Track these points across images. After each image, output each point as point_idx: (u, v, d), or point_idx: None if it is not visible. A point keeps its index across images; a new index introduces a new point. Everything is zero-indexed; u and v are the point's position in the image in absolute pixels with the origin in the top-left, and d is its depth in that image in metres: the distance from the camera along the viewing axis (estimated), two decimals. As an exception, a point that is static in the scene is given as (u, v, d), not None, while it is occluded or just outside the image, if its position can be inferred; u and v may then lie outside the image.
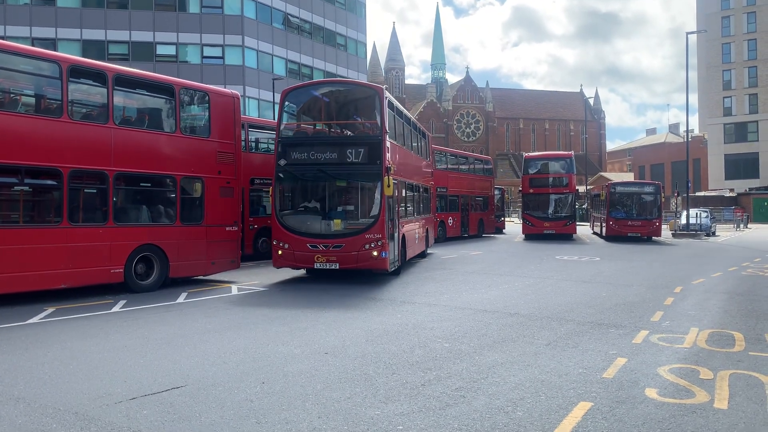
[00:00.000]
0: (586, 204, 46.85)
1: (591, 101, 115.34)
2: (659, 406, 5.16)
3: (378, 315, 9.47)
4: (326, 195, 13.85)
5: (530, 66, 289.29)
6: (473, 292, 12.02)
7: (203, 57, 45.05)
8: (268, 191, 13.89)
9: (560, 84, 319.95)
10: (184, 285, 12.83)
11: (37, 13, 41.67)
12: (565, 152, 40.35)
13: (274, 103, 38.73)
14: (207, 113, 13.47)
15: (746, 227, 45.64)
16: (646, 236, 29.28)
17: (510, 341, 7.63)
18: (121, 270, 11.47)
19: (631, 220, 29.02)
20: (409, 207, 16.49)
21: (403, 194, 15.52)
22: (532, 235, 29.97)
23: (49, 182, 10.81)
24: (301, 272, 14.76)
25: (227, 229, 13.55)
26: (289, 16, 50.08)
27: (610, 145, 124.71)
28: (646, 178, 69.11)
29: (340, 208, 13.70)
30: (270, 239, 13.82)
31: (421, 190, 18.90)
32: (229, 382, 5.77)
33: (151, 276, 12.07)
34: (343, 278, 13.90)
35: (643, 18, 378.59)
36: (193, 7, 45.00)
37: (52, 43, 39.74)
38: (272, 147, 15.65)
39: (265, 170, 16.70)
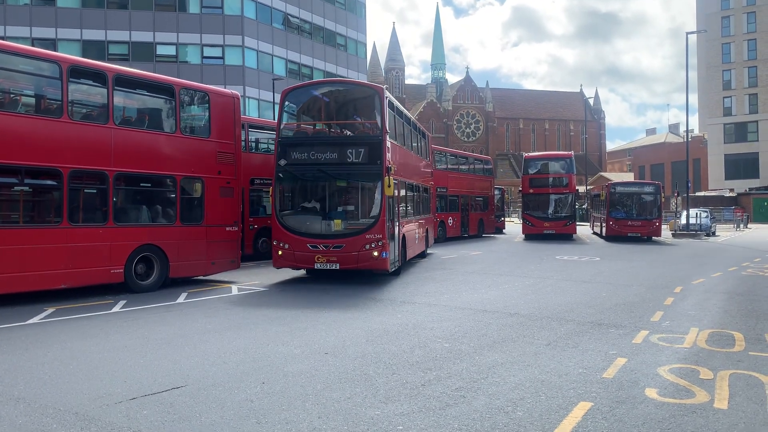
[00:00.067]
0: (586, 204, 46.86)
1: (591, 101, 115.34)
2: (659, 406, 5.16)
3: (378, 315, 9.47)
4: (326, 195, 13.85)
5: (530, 66, 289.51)
6: (473, 292, 12.03)
7: (203, 57, 45.06)
8: (268, 191, 13.88)
9: (560, 84, 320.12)
10: (184, 285, 12.83)
11: (37, 13, 41.68)
12: (565, 152, 40.36)
13: (274, 103, 38.73)
14: (207, 113, 13.47)
15: (746, 227, 45.64)
16: (646, 236, 29.28)
17: (510, 341, 7.63)
18: (121, 270, 11.48)
19: (631, 220, 29.02)
20: (409, 207, 16.49)
21: (403, 194, 15.51)
22: (532, 235, 29.97)
23: (49, 182, 10.81)
24: (301, 272, 14.76)
25: (227, 229, 13.55)
26: (289, 17, 50.09)
27: (610, 145, 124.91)
28: (646, 178, 69.12)
29: (340, 209, 13.69)
30: (270, 239, 13.82)
31: (421, 190, 18.90)
32: (230, 382, 5.77)
33: (151, 276, 12.07)
34: (343, 278, 13.90)
35: (643, 18, 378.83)
36: (193, 7, 45.01)
37: (52, 44, 39.74)
38: (272, 147, 15.64)
39: (265, 170, 16.71)
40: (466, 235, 30.40)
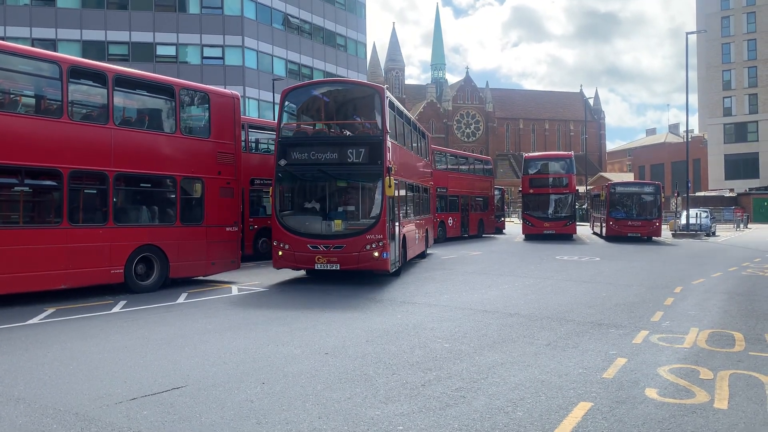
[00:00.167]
0: (586, 204, 46.87)
1: (591, 101, 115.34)
2: (659, 406, 5.16)
3: (378, 315, 9.47)
4: (327, 195, 13.84)
5: (530, 66, 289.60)
6: (473, 293, 12.03)
7: (203, 57, 45.06)
8: (268, 191, 13.87)
9: (560, 84, 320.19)
10: (184, 285, 12.83)
11: (37, 13, 41.68)
12: (565, 152, 40.36)
13: (274, 103, 38.72)
14: (207, 114, 13.47)
15: (746, 227, 45.64)
16: (646, 236, 29.29)
17: (510, 341, 7.63)
18: (121, 270, 11.48)
19: (631, 220, 29.03)
20: (409, 207, 16.48)
21: (404, 194, 15.50)
22: (532, 235, 29.97)
23: (49, 183, 10.80)
24: (301, 273, 14.76)
25: (227, 229, 13.55)
26: (289, 17, 50.09)
27: (610, 146, 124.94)
28: (646, 179, 69.12)
29: (340, 209, 13.68)
30: (270, 240, 13.81)
31: (421, 190, 18.89)
32: (230, 383, 5.77)
33: (151, 276, 12.07)
34: (343, 279, 13.89)
35: (643, 18, 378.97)
36: (193, 7, 45.01)
37: (52, 44, 39.74)
38: (272, 147, 15.64)
39: (265, 170, 16.71)
40: (466, 236, 30.41)
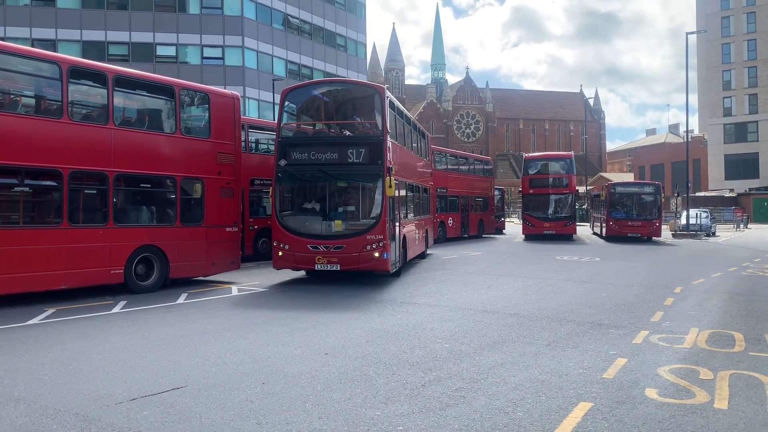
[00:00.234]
0: (586, 204, 46.87)
1: (591, 101, 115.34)
2: (659, 406, 5.16)
3: (378, 316, 9.47)
4: (327, 195, 13.83)
5: (530, 66, 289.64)
6: (473, 293, 12.03)
7: (203, 58, 45.06)
8: (268, 192, 13.87)
9: (560, 84, 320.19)
10: (184, 286, 12.83)
11: (36, 14, 41.68)
12: (565, 152, 40.38)
13: (274, 103, 38.73)
14: (207, 114, 13.47)
15: (746, 227, 45.64)
16: (646, 236, 29.29)
17: (510, 342, 7.63)
18: (122, 271, 11.48)
19: (631, 220, 29.03)
20: (409, 207, 16.48)
21: (404, 195, 15.49)
22: (532, 235, 29.98)
23: (49, 183, 10.80)
24: (301, 273, 14.76)
25: (227, 229, 13.55)
26: (289, 17, 50.10)
27: (610, 146, 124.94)
28: (646, 179, 69.13)
29: (341, 209, 13.68)
30: (270, 240, 13.80)
31: (421, 190, 18.89)
32: (230, 383, 5.77)
33: (151, 277, 12.07)
34: (343, 279, 13.89)
35: (643, 18, 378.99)
36: (193, 7, 45.01)
37: (52, 44, 39.74)
38: (272, 148, 15.64)
39: (265, 171, 16.71)
40: (466, 236, 30.41)
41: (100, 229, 11.21)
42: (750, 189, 62.39)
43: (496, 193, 36.02)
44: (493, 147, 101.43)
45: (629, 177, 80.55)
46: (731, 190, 63.55)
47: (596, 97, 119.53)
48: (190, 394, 5.45)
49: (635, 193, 30.31)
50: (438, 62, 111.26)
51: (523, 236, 30.75)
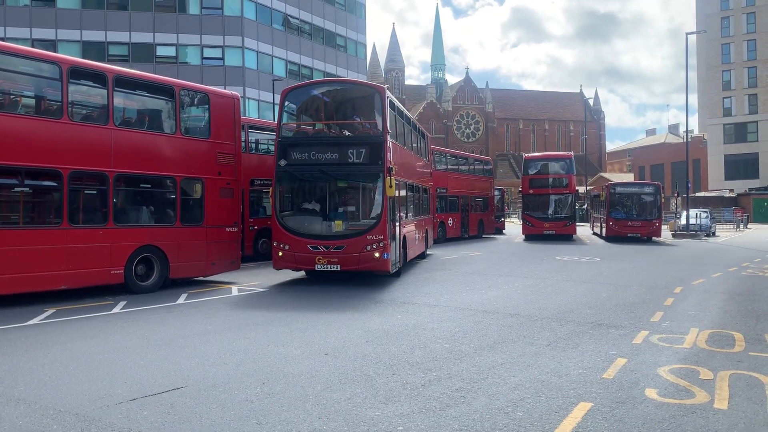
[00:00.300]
0: (585, 204, 46.87)
1: (590, 102, 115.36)
2: (659, 406, 5.16)
3: (378, 316, 9.47)
4: (327, 196, 13.82)
5: (529, 67, 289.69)
6: (473, 293, 12.03)
7: (203, 58, 45.06)
8: (268, 192, 13.86)
9: (559, 84, 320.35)
10: (184, 286, 12.83)
11: (37, 14, 41.68)
12: (565, 153, 40.37)
13: (274, 104, 38.73)
14: (207, 114, 13.47)
15: (746, 228, 45.64)
16: (646, 237, 29.29)
17: (510, 342, 7.63)
18: (122, 271, 11.48)
19: (631, 220, 29.03)
20: (409, 208, 16.47)
21: (404, 195, 15.49)
22: (532, 235, 29.98)
23: (50, 183, 10.81)
24: (301, 273, 14.75)
25: (227, 230, 13.55)
26: (289, 17, 50.10)
27: (610, 146, 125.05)
28: (646, 179, 69.15)
29: (341, 209, 13.67)
30: (270, 240, 13.79)
31: (421, 190, 18.89)
32: (230, 383, 5.77)
33: (151, 277, 12.07)
34: (342, 279, 13.89)
35: (642, 18, 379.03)
36: (193, 8, 45.01)
37: (52, 45, 39.74)
38: (272, 148, 15.63)
39: (265, 171, 16.71)
40: (466, 236, 30.41)
41: (100, 230, 11.21)
42: (750, 189, 62.40)
43: (496, 193, 36.03)
44: (493, 147, 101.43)
45: (629, 177, 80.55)
46: (731, 191, 63.55)
47: (596, 98, 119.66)
48: (190, 394, 5.45)
49: (635, 194, 30.31)
50: (438, 62, 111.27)
51: (523, 236, 30.75)
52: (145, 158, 12.00)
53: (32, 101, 11.28)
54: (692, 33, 46.23)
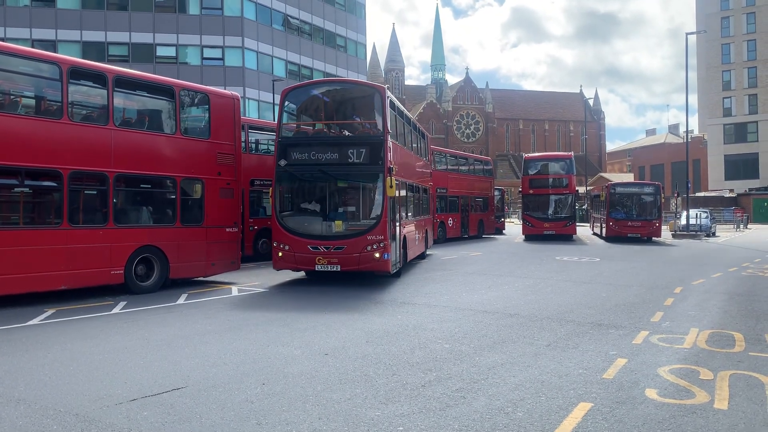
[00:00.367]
0: (585, 205, 46.87)
1: (590, 102, 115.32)
2: (659, 406, 5.16)
3: (378, 316, 9.47)
4: (327, 196, 13.81)
5: (529, 67, 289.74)
6: (473, 293, 12.03)
7: (203, 58, 45.05)
8: (268, 192, 13.86)
9: (559, 85, 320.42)
10: (184, 286, 12.83)
11: (36, 14, 41.68)
12: (565, 153, 40.37)
13: (274, 104, 38.73)
14: (207, 114, 13.48)
15: (746, 228, 45.62)
16: (646, 237, 29.29)
17: (510, 342, 7.63)
18: (122, 271, 11.48)
19: (631, 220, 29.03)
20: (409, 208, 16.47)
21: (404, 195, 15.48)
22: (532, 235, 29.98)
23: (49, 184, 10.81)
24: (301, 274, 14.75)
25: (227, 230, 13.55)
26: (289, 18, 50.10)
27: (610, 146, 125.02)
28: (646, 179, 69.14)
29: (341, 209, 13.66)
30: (270, 240, 13.79)
31: (421, 190, 18.89)
32: (230, 384, 5.77)
33: (151, 277, 12.07)
34: (342, 280, 13.89)
35: (642, 18, 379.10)
36: (193, 8, 45.01)
37: (52, 45, 39.73)
38: (272, 148, 15.63)
39: (265, 171, 16.71)
40: (466, 236, 30.41)
41: (101, 230, 11.21)
42: (750, 189, 62.38)
43: (496, 193, 36.03)
44: (492, 147, 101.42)
45: (629, 177, 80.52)
46: (731, 191, 63.55)
47: (596, 98, 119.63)
48: (190, 394, 5.45)
49: (635, 194, 30.30)
50: (438, 63, 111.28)
51: (523, 236, 30.75)
52: (145, 158, 12.00)
53: (32, 101, 11.29)
54: (692, 33, 46.26)
